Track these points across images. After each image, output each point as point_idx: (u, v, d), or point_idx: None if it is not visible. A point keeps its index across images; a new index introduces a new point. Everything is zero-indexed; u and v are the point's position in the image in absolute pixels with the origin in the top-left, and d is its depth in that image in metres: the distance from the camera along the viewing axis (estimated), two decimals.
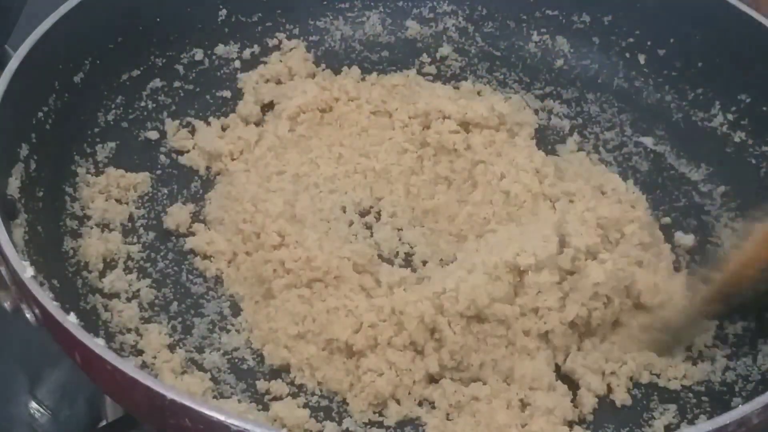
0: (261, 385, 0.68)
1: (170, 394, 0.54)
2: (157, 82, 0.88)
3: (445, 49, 0.96)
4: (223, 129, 0.87)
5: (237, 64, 0.92)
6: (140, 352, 0.68)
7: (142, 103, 0.87)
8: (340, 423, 0.67)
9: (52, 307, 0.59)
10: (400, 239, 0.79)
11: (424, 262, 0.77)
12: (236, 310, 0.73)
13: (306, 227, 0.74)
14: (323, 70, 0.92)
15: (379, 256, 0.76)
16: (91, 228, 0.77)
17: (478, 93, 0.92)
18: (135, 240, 0.78)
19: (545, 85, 0.95)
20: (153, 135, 0.86)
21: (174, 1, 0.88)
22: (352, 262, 0.72)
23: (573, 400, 0.69)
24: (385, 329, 0.68)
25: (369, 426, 0.67)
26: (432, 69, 0.95)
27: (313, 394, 0.68)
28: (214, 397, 0.66)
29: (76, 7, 0.79)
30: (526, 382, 0.68)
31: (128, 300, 0.72)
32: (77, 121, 0.81)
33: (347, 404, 0.68)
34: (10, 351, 0.78)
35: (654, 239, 0.77)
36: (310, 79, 0.89)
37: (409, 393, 0.68)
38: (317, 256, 0.71)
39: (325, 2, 0.96)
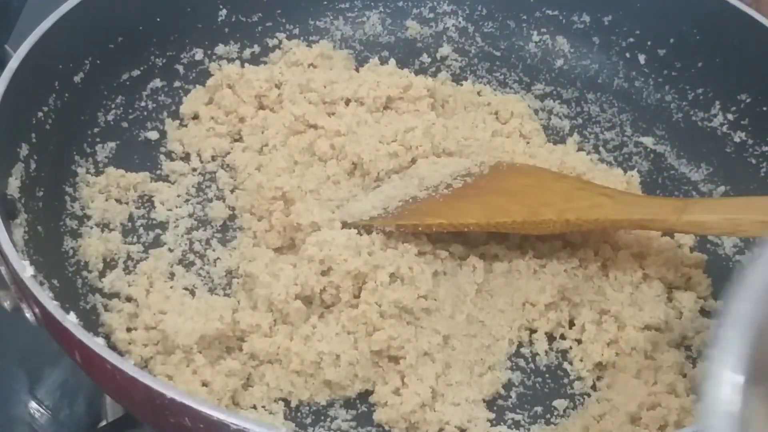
0: None
1: (170, 393, 0.54)
2: (157, 82, 0.88)
3: (445, 49, 0.96)
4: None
5: (237, 64, 0.92)
6: None
7: (142, 103, 0.87)
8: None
9: (52, 306, 0.59)
10: None
11: None
12: None
13: None
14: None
15: None
16: (91, 228, 0.77)
17: (479, 93, 0.93)
18: (135, 240, 0.78)
19: (545, 85, 0.95)
20: (153, 135, 0.86)
21: (174, 1, 0.88)
22: None
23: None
24: None
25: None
26: (432, 69, 0.95)
27: None
28: None
29: (76, 7, 0.79)
30: None
31: (128, 300, 0.72)
32: (77, 121, 0.81)
33: None
34: (10, 351, 0.78)
35: None
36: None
37: None
38: None
39: (325, 2, 0.96)
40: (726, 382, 0.36)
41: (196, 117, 0.87)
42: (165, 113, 0.87)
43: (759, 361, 0.37)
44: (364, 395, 0.69)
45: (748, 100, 0.85)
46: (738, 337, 0.37)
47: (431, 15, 0.98)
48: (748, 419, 0.36)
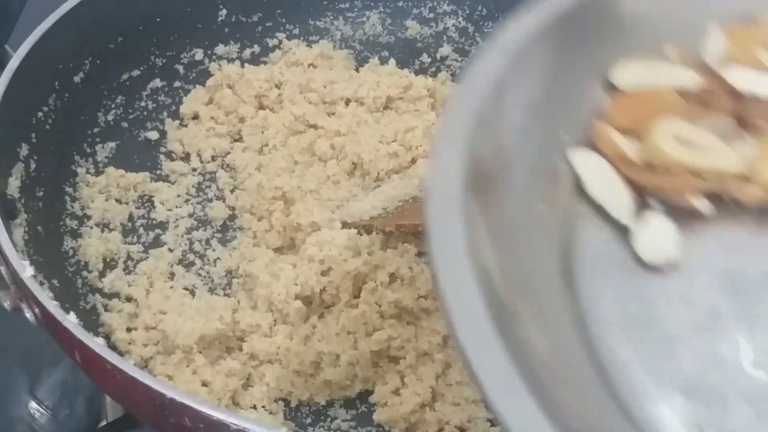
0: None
1: (170, 393, 0.54)
2: (157, 82, 0.88)
3: (445, 49, 0.96)
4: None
5: (237, 64, 0.92)
6: None
7: (142, 103, 0.87)
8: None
9: (52, 306, 0.59)
10: None
11: None
12: None
13: None
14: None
15: None
16: (91, 228, 0.77)
17: None
18: (135, 240, 0.78)
19: None
20: (153, 135, 0.86)
21: (174, 1, 0.88)
22: None
23: None
24: None
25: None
26: (432, 69, 0.95)
27: None
28: None
29: (76, 7, 0.79)
30: None
31: (128, 300, 0.73)
32: (77, 121, 0.81)
33: None
34: (10, 351, 0.78)
35: None
36: None
37: None
38: None
39: (325, 2, 0.96)
40: (449, 181, 0.35)
41: (196, 117, 0.88)
42: (165, 113, 0.87)
43: (477, 170, 0.36)
44: (364, 395, 0.69)
45: None
46: (459, 135, 0.36)
47: (431, 15, 0.97)
48: (469, 224, 0.35)
